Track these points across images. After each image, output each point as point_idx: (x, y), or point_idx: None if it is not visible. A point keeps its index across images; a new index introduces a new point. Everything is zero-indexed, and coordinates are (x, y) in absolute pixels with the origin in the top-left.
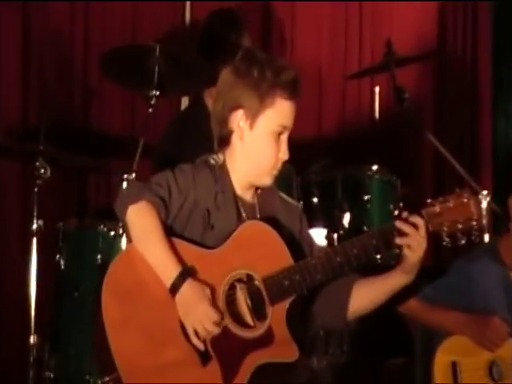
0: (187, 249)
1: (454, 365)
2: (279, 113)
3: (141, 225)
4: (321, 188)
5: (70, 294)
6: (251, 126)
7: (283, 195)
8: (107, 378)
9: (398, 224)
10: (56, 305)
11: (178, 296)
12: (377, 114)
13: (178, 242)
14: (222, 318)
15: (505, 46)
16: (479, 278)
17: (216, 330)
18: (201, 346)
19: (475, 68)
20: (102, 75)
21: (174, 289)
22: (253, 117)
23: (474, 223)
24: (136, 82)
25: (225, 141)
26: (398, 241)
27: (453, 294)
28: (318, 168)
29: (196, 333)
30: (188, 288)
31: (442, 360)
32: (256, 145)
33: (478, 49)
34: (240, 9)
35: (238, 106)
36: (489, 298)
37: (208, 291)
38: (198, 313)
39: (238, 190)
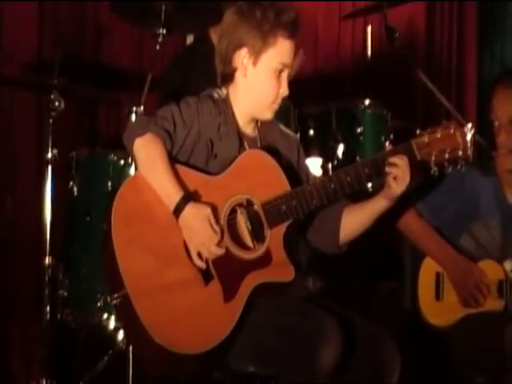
0: (190, 175)
1: (437, 275)
2: (280, 51)
3: (146, 155)
4: (316, 121)
5: (81, 218)
6: (254, 63)
7: (282, 127)
8: (116, 295)
9: (388, 157)
10: (69, 228)
11: (180, 219)
12: (369, 52)
13: (181, 168)
14: (223, 239)
15: None
16: (469, 179)
17: (218, 252)
18: (203, 266)
19: (462, 9)
20: (112, 13)
21: (177, 212)
22: (256, 55)
23: (460, 153)
24: (144, 20)
25: (229, 77)
26: (388, 169)
27: (446, 197)
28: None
29: (199, 254)
30: (190, 211)
31: (426, 271)
32: (259, 81)
33: None
34: None
35: (241, 45)
36: (478, 198)
37: (210, 212)
38: (200, 236)
39: (240, 124)
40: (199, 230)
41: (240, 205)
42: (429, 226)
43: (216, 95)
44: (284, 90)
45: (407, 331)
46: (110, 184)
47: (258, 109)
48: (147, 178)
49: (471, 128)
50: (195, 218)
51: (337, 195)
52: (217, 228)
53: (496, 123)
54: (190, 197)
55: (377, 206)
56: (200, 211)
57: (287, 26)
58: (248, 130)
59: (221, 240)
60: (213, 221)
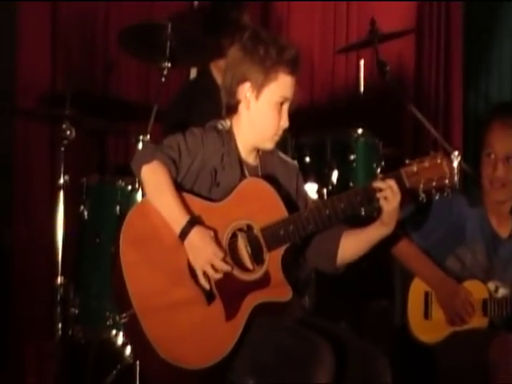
0: (194, 201)
1: (426, 295)
2: (281, 86)
3: (153, 181)
4: (312, 149)
5: (91, 240)
6: (257, 97)
7: (282, 155)
8: (124, 314)
9: (375, 184)
10: (80, 250)
11: (186, 241)
12: (362, 85)
13: (186, 195)
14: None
15: (475, 29)
16: (457, 204)
17: (224, 267)
18: (207, 286)
19: (449, 45)
20: (120, 49)
21: (183, 235)
22: (258, 89)
23: (447, 181)
24: (150, 55)
25: (232, 109)
26: (378, 194)
27: (435, 222)
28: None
29: (204, 274)
30: (195, 234)
31: (416, 291)
32: (261, 113)
33: (452, 30)
34: None
35: (245, 79)
36: (464, 222)
37: (213, 235)
38: (206, 254)
39: (243, 154)
40: (204, 250)
41: (240, 229)
42: (418, 248)
43: (220, 126)
44: (284, 122)
45: (397, 347)
46: (118, 208)
47: (260, 140)
48: (154, 203)
49: (458, 155)
50: (200, 240)
51: (331, 220)
52: (220, 247)
53: (492, 156)
54: (195, 221)
55: (375, 232)
56: (204, 234)
57: (288, 63)
58: (250, 159)
59: (225, 256)
60: (216, 241)
